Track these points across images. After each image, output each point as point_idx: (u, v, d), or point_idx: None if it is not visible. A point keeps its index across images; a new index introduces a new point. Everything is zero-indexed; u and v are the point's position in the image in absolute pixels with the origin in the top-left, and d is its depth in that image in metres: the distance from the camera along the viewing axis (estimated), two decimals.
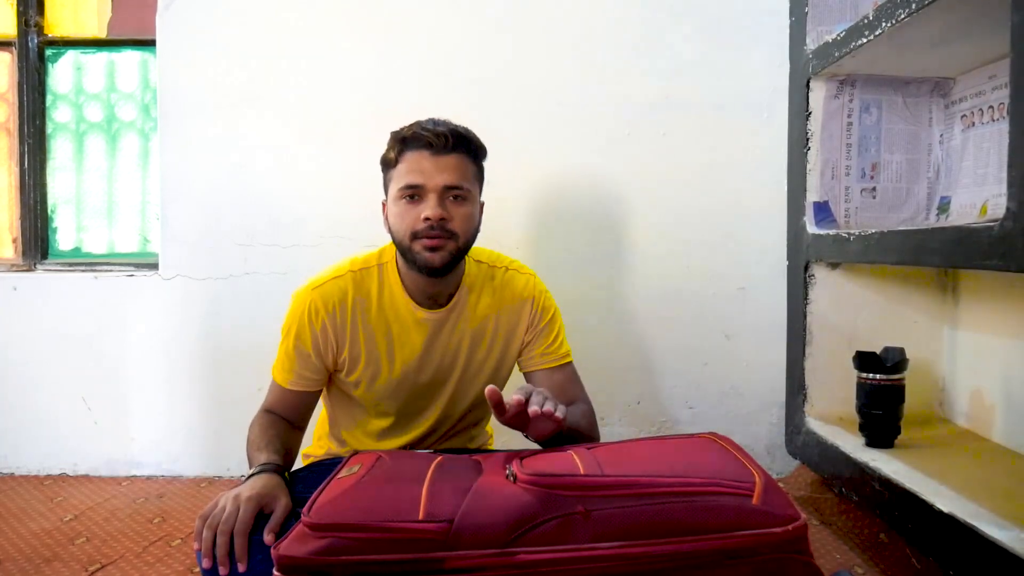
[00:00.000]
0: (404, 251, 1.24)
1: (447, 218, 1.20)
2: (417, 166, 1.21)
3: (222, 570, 0.96)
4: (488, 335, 1.35)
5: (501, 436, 1.59)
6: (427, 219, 1.19)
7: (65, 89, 2.07)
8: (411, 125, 1.24)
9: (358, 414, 1.38)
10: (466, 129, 1.26)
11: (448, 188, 1.21)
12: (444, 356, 1.33)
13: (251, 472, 1.11)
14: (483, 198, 1.32)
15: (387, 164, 1.27)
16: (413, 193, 1.21)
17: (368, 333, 1.29)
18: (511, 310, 1.35)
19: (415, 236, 1.21)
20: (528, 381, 1.38)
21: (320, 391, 1.35)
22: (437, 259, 1.21)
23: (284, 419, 1.31)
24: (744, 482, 0.87)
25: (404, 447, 1.38)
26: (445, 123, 1.25)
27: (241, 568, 0.96)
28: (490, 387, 1.05)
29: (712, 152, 1.87)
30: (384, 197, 1.31)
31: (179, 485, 1.89)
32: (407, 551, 0.82)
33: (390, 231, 1.27)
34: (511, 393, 1.07)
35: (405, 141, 1.23)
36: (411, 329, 1.31)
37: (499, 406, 1.05)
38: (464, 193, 1.23)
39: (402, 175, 1.22)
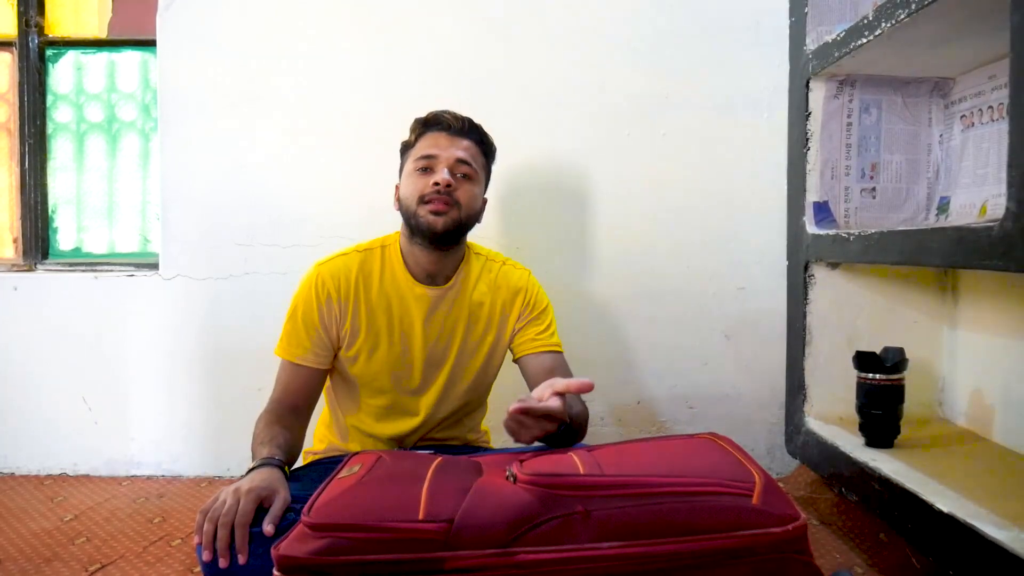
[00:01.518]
0: (410, 217, 1.31)
1: (454, 186, 1.29)
2: (434, 142, 1.32)
3: (222, 562, 0.96)
4: (483, 320, 1.40)
5: (500, 435, 1.59)
6: (436, 184, 1.28)
7: (65, 89, 2.07)
8: (433, 111, 1.36)
9: (357, 395, 1.40)
10: (481, 125, 1.38)
11: (460, 162, 1.31)
12: (441, 334, 1.37)
13: (252, 466, 1.12)
14: (486, 196, 1.39)
15: (407, 146, 1.38)
16: (427, 165, 1.31)
17: (369, 308, 1.35)
18: (505, 300, 1.41)
19: (422, 200, 1.29)
20: (521, 367, 1.42)
21: (326, 373, 1.38)
22: (440, 223, 1.28)
23: (291, 408, 1.31)
24: (744, 482, 0.87)
25: (403, 434, 1.39)
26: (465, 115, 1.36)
27: (241, 560, 0.96)
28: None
29: (712, 152, 1.87)
30: (398, 182, 1.38)
31: (179, 485, 1.89)
32: (407, 551, 0.82)
33: (400, 206, 1.35)
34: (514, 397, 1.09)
35: (426, 123, 1.35)
36: (410, 304, 1.36)
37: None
38: (472, 173, 1.33)
39: (419, 150, 1.33)
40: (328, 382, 1.43)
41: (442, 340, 1.38)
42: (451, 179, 1.28)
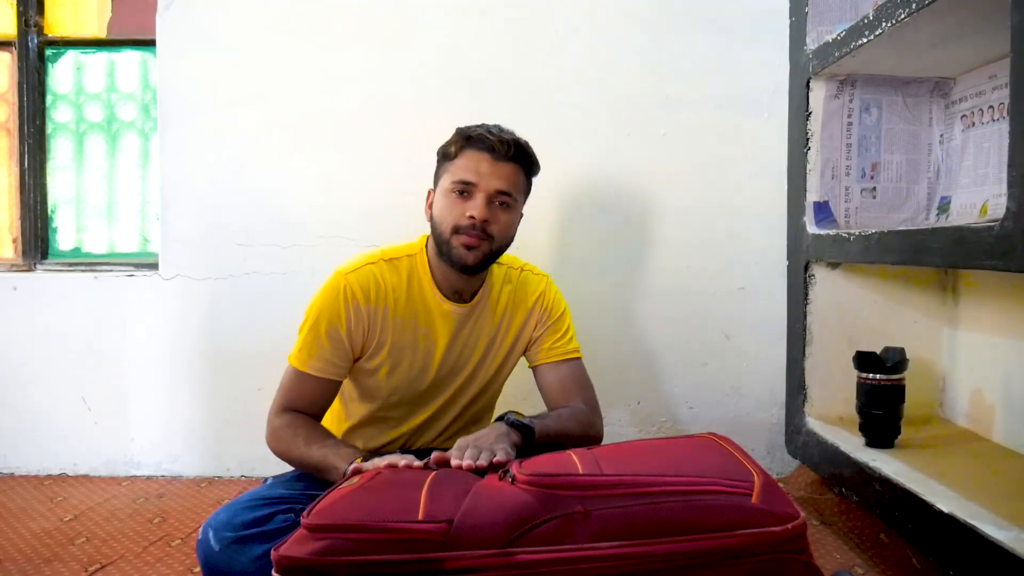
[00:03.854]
0: (442, 243, 1.29)
1: (490, 221, 1.26)
2: (475, 165, 1.26)
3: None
4: (503, 331, 1.39)
5: None
6: (472, 217, 1.24)
7: (65, 89, 2.07)
8: (479, 126, 1.30)
9: (368, 404, 1.37)
10: (527, 144, 1.32)
11: (499, 193, 1.27)
12: (464, 350, 1.37)
13: (354, 463, 1.10)
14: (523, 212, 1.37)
15: (446, 156, 1.32)
16: (464, 189, 1.26)
17: (396, 321, 1.32)
18: (523, 308, 1.40)
19: (456, 230, 1.26)
20: (535, 376, 1.42)
21: (339, 384, 1.33)
22: (471, 258, 1.26)
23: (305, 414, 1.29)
24: (743, 481, 0.86)
25: (403, 434, 1.38)
26: (510, 133, 1.31)
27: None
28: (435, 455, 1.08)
29: (712, 152, 1.87)
30: (432, 187, 1.35)
31: (179, 485, 1.89)
32: (407, 551, 0.82)
33: (431, 220, 1.31)
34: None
35: (470, 139, 1.28)
36: (437, 321, 1.34)
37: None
38: (511, 201, 1.29)
39: (459, 170, 1.27)
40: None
41: (464, 356, 1.37)
42: (487, 213, 1.25)
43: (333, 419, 1.43)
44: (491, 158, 1.26)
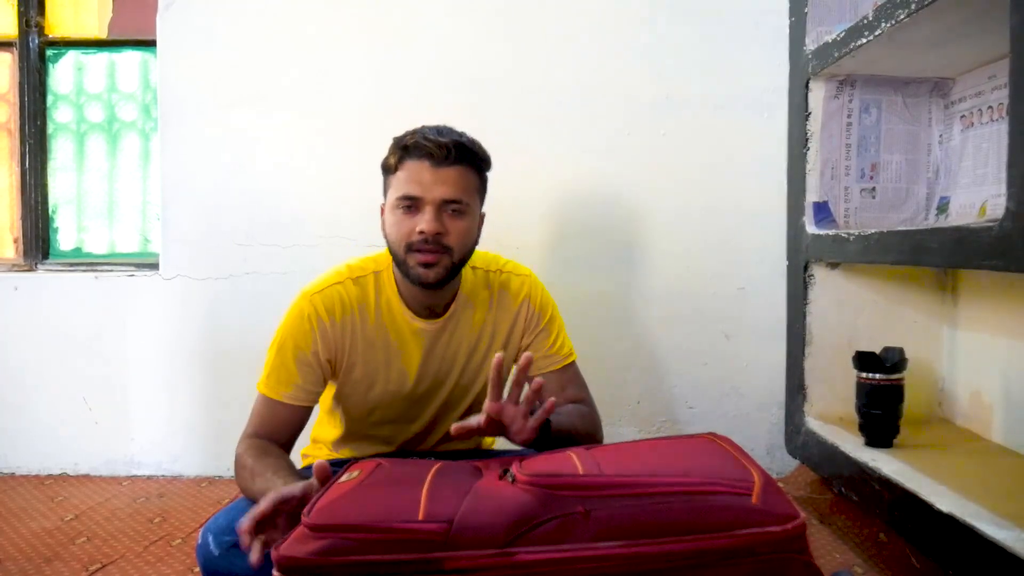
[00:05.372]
0: (399, 262, 1.22)
1: (443, 232, 1.17)
2: (417, 176, 1.17)
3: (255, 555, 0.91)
4: (485, 341, 1.32)
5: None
6: (422, 232, 1.16)
7: (66, 89, 2.07)
8: (414, 132, 1.20)
9: (353, 421, 1.35)
10: (471, 140, 1.22)
11: (447, 202, 1.18)
12: (441, 365, 1.31)
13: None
14: (485, 208, 1.30)
15: (387, 169, 1.24)
16: (410, 204, 1.18)
17: (366, 342, 1.26)
18: (508, 313, 1.33)
19: (410, 248, 1.18)
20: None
21: (311, 409, 1.29)
22: (431, 275, 1.18)
23: (273, 443, 1.23)
24: (743, 481, 0.86)
25: (398, 447, 1.37)
26: (449, 132, 1.21)
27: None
28: (498, 355, 1.04)
29: (712, 152, 1.87)
30: (383, 200, 1.28)
31: (179, 485, 1.89)
32: (407, 551, 0.82)
33: (386, 238, 1.24)
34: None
35: (407, 149, 1.19)
36: (408, 340, 1.28)
37: (496, 380, 1.05)
38: (462, 207, 1.19)
39: (401, 184, 1.19)
40: (320, 402, 1.36)
41: (442, 371, 1.31)
42: (438, 226, 1.16)
43: (327, 427, 1.41)
44: (431, 165, 1.16)
